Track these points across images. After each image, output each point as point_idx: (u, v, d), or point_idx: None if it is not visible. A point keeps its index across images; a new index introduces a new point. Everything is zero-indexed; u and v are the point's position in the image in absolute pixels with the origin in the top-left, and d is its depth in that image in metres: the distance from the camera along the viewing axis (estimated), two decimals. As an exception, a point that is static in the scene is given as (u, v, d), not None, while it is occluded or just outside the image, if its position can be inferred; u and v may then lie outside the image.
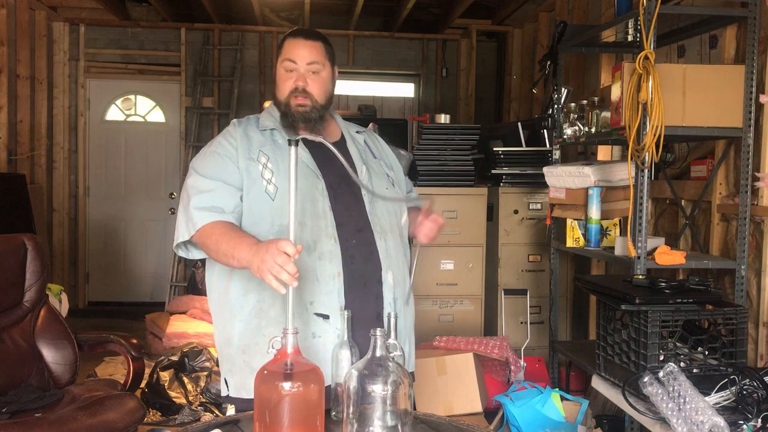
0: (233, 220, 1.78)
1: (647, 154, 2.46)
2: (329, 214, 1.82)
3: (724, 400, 1.92)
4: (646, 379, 1.94)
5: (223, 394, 1.90)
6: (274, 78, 1.91)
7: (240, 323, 1.82)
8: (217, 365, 2.64)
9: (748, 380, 1.91)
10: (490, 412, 3.36)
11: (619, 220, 3.15)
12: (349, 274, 1.80)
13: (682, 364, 2.07)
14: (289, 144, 1.51)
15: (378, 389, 1.38)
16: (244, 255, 1.60)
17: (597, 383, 2.49)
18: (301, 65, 1.83)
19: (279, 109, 1.89)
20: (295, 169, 1.49)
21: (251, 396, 1.77)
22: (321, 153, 1.84)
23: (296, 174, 1.50)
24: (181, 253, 1.85)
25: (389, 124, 5.28)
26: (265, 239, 1.64)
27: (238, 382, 1.85)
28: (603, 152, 3.89)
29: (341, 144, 1.95)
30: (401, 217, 1.98)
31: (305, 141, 1.81)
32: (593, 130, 3.03)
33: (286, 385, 1.36)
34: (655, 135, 2.41)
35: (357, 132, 2.05)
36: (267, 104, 2.12)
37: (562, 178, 3.26)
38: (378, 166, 2.01)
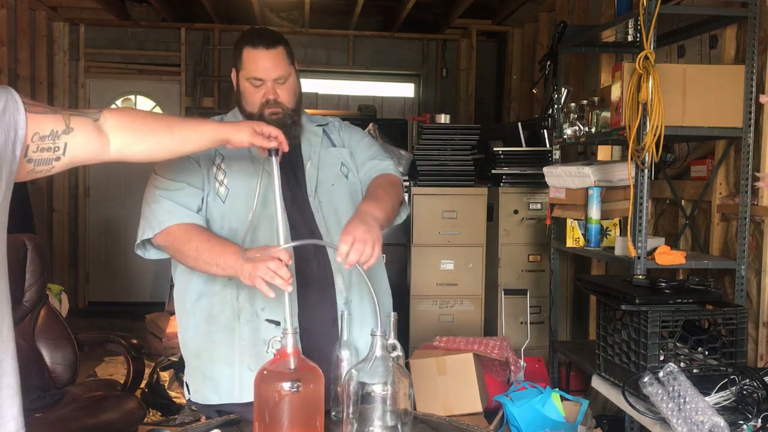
0: (201, 222, 1.75)
1: (647, 154, 2.46)
2: (283, 216, 1.77)
3: (724, 400, 1.92)
4: (646, 379, 1.94)
5: (186, 397, 1.89)
6: (237, 86, 1.83)
7: (192, 328, 1.82)
8: None
9: (748, 380, 1.91)
10: (490, 412, 3.36)
11: (619, 220, 3.15)
12: (305, 279, 1.76)
13: (682, 364, 2.07)
14: (269, 154, 1.57)
15: (378, 389, 1.38)
16: (231, 263, 1.60)
17: (597, 383, 2.49)
18: (268, 80, 1.77)
19: (248, 119, 1.82)
20: (278, 179, 1.56)
21: (206, 402, 1.80)
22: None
23: (279, 182, 1.57)
24: (139, 252, 1.83)
25: (389, 124, 5.29)
26: None
27: (193, 387, 1.84)
28: (603, 152, 3.89)
29: (296, 147, 1.88)
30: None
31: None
32: (593, 130, 3.03)
33: (286, 385, 1.35)
34: (655, 135, 2.41)
35: (317, 125, 1.96)
36: None
37: (562, 178, 3.25)
38: (332, 156, 1.92)
